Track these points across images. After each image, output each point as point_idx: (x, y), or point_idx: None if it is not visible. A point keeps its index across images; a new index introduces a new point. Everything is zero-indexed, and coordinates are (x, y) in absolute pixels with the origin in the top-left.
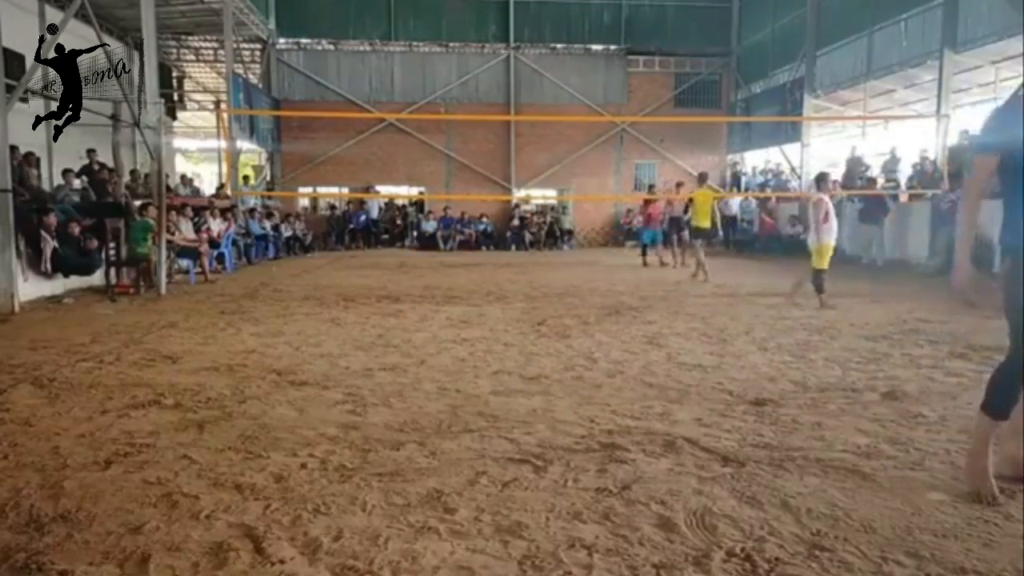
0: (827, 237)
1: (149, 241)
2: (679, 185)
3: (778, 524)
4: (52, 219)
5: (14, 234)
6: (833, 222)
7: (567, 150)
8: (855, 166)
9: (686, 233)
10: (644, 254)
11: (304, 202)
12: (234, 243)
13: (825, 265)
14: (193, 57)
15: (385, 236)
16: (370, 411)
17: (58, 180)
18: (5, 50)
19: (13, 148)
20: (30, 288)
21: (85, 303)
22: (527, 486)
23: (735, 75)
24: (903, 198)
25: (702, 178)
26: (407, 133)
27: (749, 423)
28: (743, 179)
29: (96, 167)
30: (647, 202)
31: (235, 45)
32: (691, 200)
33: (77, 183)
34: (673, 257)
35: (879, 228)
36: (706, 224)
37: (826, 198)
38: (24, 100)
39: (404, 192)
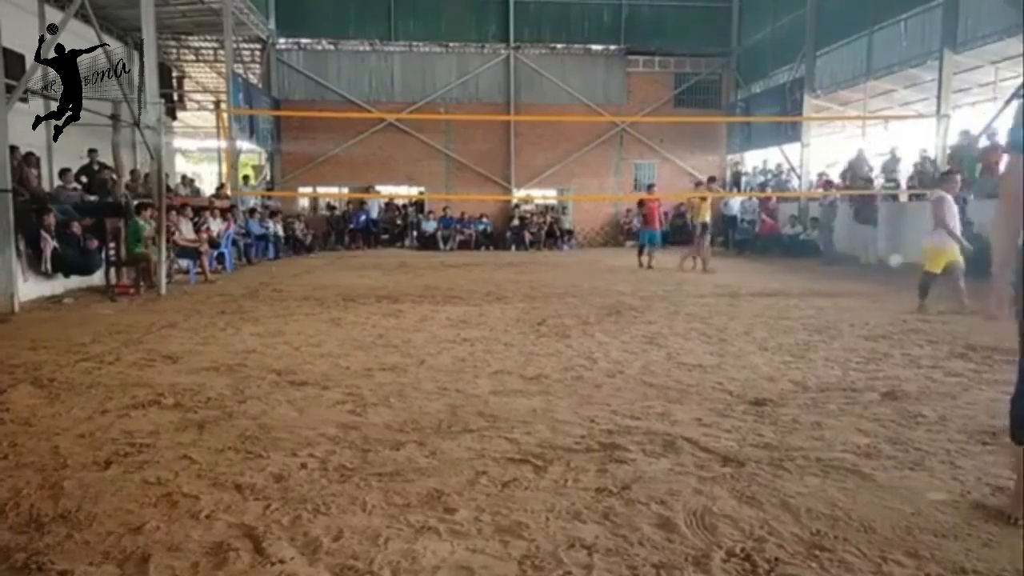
0: (946, 239)
1: (148, 241)
2: (711, 180)
3: (778, 524)
4: (51, 219)
5: (14, 234)
6: (954, 222)
7: (567, 150)
8: (860, 165)
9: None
10: (641, 254)
11: (304, 202)
12: (234, 243)
13: (937, 269)
14: (193, 57)
15: (385, 236)
16: (370, 411)
17: (58, 180)
18: (5, 50)
19: (13, 148)
20: (30, 288)
21: (85, 303)
22: (527, 486)
23: (735, 75)
24: (903, 198)
25: (711, 180)
26: (407, 133)
27: (749, 423)
28: (743, 179)
29: (96, 167)
30: (642, 202)
31: (235, 45)
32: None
33: (76, 183)
34: (693, 260)
35: (874, 228)
36: (703, 219)
37: (948, 197)
38: (24, 100)
39: (404, 192)
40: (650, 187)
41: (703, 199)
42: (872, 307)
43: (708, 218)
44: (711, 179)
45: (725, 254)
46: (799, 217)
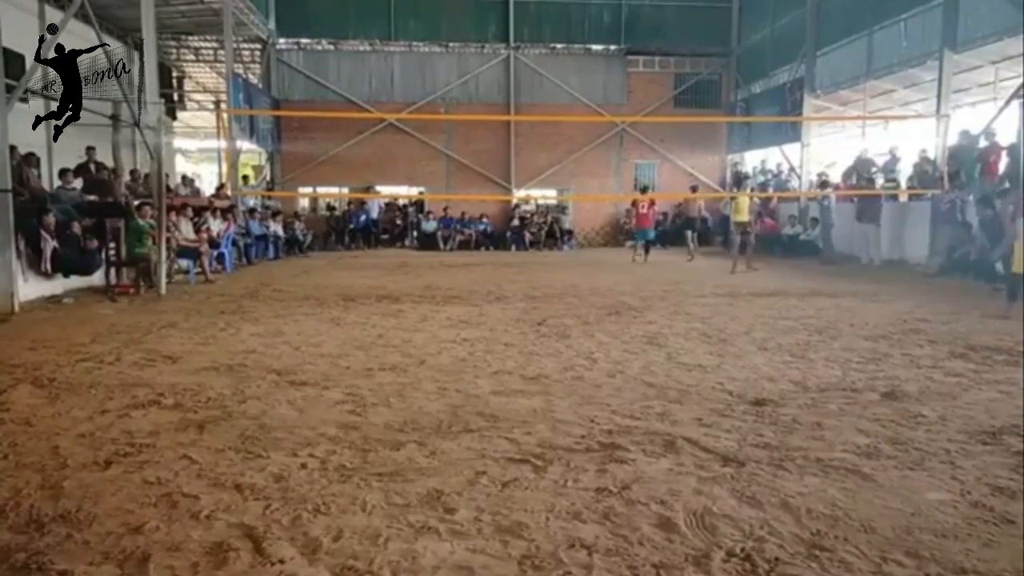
0: None
1: (148, 242)
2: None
3: (778, 524)
4: (51, 219)
5: (14, 234)
6: None
7: (567, 150)
8: (866, 166)
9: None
10: (643, 251)
11: (304, 202)
12: (234, 243)
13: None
14: (193, 57)
15: (385, 236)
16: (370, 411)
17: (57, 180)
18: (5, 50)
19: (13, 148)
20: (30, 288)
21: (85, 303)
22: (527, 486)
23: (735, 75)
24: (902, 198)
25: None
26: (407, 133)
27: (749, 423)
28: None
29: (94, 166)
30: (635, 203)
31: (235, 45)
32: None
33: (74, 183)
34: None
35: (876, 228)
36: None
37: None
38: (24, 100)
39: (404, 192)
40: (644, 189)
41: (749, 198)
42: (872, 307)
43: (744, 218)
44: (693, 188)
45: (724, 254)
46: (799, 217)
